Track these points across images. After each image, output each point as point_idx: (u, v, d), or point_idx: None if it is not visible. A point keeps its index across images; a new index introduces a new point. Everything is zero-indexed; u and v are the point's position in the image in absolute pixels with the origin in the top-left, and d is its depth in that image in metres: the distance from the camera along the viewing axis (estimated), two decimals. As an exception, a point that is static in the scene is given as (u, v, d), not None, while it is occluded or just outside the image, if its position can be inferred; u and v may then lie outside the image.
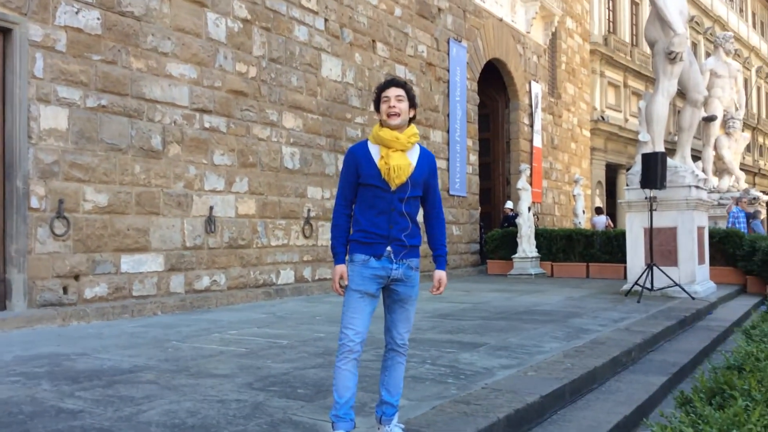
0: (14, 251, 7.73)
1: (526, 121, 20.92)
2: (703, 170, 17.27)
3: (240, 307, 9.76)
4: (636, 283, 10.85)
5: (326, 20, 12.54)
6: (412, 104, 3.63)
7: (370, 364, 5.13)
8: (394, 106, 3.56)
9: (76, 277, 8.35)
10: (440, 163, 15.75)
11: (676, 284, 10.62)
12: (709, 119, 18.24)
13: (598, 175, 26.94)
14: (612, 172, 28.34)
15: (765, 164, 45.20)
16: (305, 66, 12.01)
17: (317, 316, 8.74)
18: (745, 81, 37.19)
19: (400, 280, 3.57)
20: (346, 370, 3.48)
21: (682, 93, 13.04)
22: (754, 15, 47.27)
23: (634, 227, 11.52)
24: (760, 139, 45.00)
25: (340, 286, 3.57)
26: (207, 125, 10.11)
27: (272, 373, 5.20)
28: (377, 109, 3.65)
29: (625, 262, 12.16)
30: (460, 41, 17.10)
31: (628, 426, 4.57)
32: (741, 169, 20.77)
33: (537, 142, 21.30)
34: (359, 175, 3.56)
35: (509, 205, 18.64)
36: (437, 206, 3.74)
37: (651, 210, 10.75)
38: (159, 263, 9.35)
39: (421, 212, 3.70)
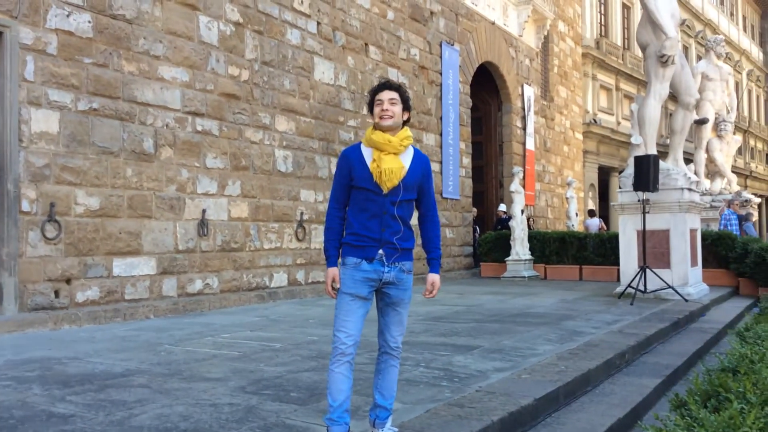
0: (5, 255, 7.68)
1: (519, 124, 20.94)
2: (695, 173, 17.34)
3: (233, 311, 9.72)
4: (629, 286, 10.87)
5: (319, 23, 12.53)
6: (406, 107, 3.61)
7: (363, 368, 5.11)
8: (386, 110, 3.54)
9: (68, 281, 8.30)
10: (433, 166, 15.71)
11: (669, 286, 10.64)
12: (701, 122, 18.31)
13: (591, 177, 27.00)
14: (604, 174, 28.41)
15: (756, 167, 45.41)
16: (298, 69, 11.99)
17: (310, 320, 8.72)
18: (736, 84, 37.39)
19: (393, 283, 3.56)
20: (340, 373, 3.47)
21: (674, 96, 13.09)
22: (744, 19, 47.52)
23: (627, 230, 11.54)
24: (752, 142, 45.21)
25: (333, 289, 3.56)
26: (199, 128, 10.08)
27: (265, 377, 5.18)
28: (371, 111, 3.63)
29: (618, 264, 12.18)
30: (452, 44, 17.12)
31: (622, 428, 4.56)
32: (733, 171, 20.85)
33: (530, 145, 21.34)
34: (352, 177, 3.54)
35: (502, 207, 18.65)
36: (431, 209, 3.72)
37: (644, 212, 10.78)
38: (151, 267, 9.31)
39: (415, 215, 3.68)
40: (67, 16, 8.38)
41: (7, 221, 7.70)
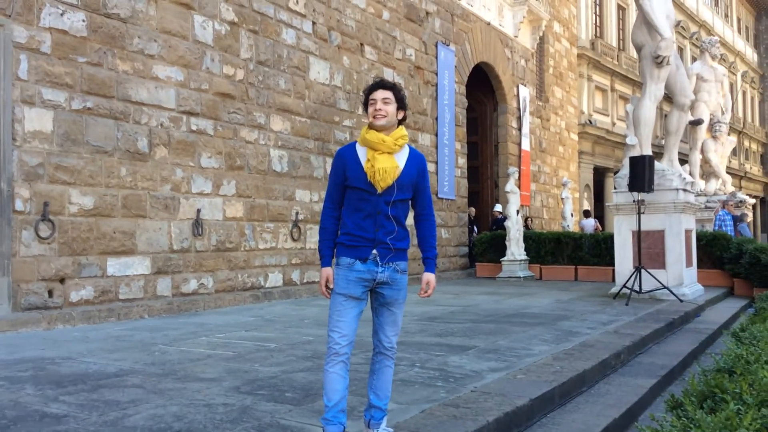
0: (-2, 254, 7.64)
1: (515, 124, 20.95)
2: (690, 173, 17.37)
3: (228, 311, 9.69)
4: (624, 286, 10.88)
5: (314, 23, 12.51)
6: (401, 106, 3.59)
7: (359, 368, 5.09)
8: (380, 109, 3.52)
9: (62, 281, 8.26)
10: (429, 167, 15.72)
11: (665, 287, 10.65)
12: (696, 123, 18.34)
13: (586, 178, 27.04)
14: (600, 175, 28.45)
15: (751, 168, 45.55)
16: (293, 69, 11.97)
17: (305, 319, 8.69)
18: (731, 85, 37.47)
19: (387, 283, 3.54)
20: (334, 373, 3.45)
21: (669, 97, 13.11)
22: (739, 20, 47.65)
23: (622, 230, 11.54)
24: (746, 143, 45.35)
25: (327, 289, 3.55)
26: (194, 128, 10.05)
27: (260, 377, 5.15)
28: (366, 111, 3.62)
29: (613, 264, 12.19)
30: (448, 45, 17.11)
31: (617, 429, 4.55)
32: (727, 172, 20.88)
33: (525, 145, 21.35)
34: (346, 177, 3.53)
35: (498, 208, 18.65)
36: (427, 208, 3.70)
37: (639, 213, 10.79)
38: (146, 266, 9.27)
39: (411, 214, 3.66)
40: (61, 14, 8.35)
41: (1, 220, 7.66)
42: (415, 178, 3.60)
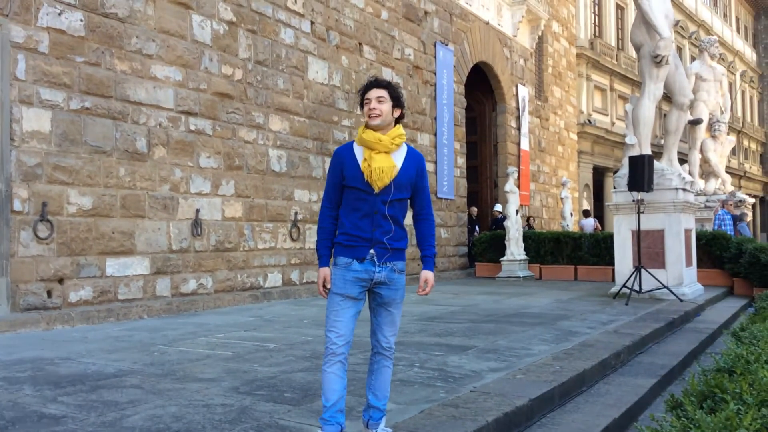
0: (-4, 255, 7.63)
1: (514, 124, 20.94)
2: (690, 173, 17.35)
3: (227, 311, 9.68)
4: (624, 286, 10.87)
5: (312, 23, 12.50)
6: (397, 104, 3.56)
7: (357, 368, 5.08)
8: (374, 108, 3.50)
9: (61, 281, 8.25)
10: (428, 166, 15.66)
11: (664, 286, 10.64)
12: (695, 122, 18.34)
13: (586, 178, 27.03)
14: (599, 175, 28.45)
15: (750, 167, 45.56)
16: (291, 69, 11.95)
17: (305, 320, 8.68)
18: (730, 85, 37.45)
19: (384, 283, 3.52)
20: (332, 373, 3.44)
21: (668, 96, 13.09)
22: (737, 20, 47.66)
23: (622, 230, 11.53)
24: (745, 143, 45.36)
25: (324, 289, 3.53)
26: (192, 128, 10.03)
27: (259, 377, 5.14)
28: (362, 110, 3.61)
29: (613, 264, 12.18)
30: (446, 44, 17.10)
31: (617, 429, 4.54)
32: (727, 172, 20.88)
33: (524, 145, 21.34)
34: (344, 177, 3.51)
35: (498, 208, 18.65)
36: (426, 207, 3.68)
37: (638, 212, 10.77)
38: (145, 266, 9.26)
39: (409, 214, 3.65)
40: (59, 14, 8.33)
41: (-1, 221, 7.65)
42: (414, 178, 3.58)
